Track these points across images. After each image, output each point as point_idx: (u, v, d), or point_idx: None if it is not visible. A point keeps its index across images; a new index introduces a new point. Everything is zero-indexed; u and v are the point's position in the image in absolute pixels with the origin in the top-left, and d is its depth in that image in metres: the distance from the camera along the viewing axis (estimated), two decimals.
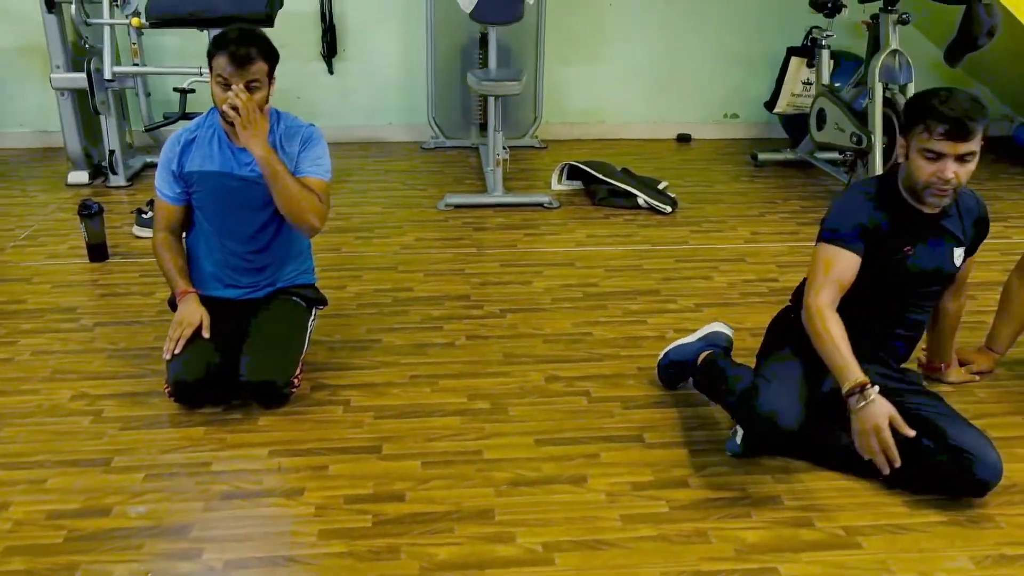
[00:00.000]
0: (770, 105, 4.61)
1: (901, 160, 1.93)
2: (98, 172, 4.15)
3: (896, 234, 1.93)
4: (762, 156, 4.56)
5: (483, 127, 4.71)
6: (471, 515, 1.85)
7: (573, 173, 4.14)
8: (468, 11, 3.76)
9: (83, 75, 3.77)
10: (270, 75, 2.21)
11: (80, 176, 4.11)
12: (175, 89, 3.78)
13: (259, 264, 2.36)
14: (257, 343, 2.22)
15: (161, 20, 3.74)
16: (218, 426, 2.15)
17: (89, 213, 3.19)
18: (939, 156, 1.82)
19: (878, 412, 1.76)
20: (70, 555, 1.71)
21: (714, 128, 5.07)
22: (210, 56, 2.15)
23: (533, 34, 4.63)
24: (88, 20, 3.76)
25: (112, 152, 4.02)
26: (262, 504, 1.87)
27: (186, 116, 3.95)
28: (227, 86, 2.12)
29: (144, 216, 3.42)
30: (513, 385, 2.38)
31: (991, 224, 2.10)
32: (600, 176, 3.96)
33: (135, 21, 3.72)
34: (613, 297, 2.93)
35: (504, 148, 3.82)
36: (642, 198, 3.84)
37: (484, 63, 4.56)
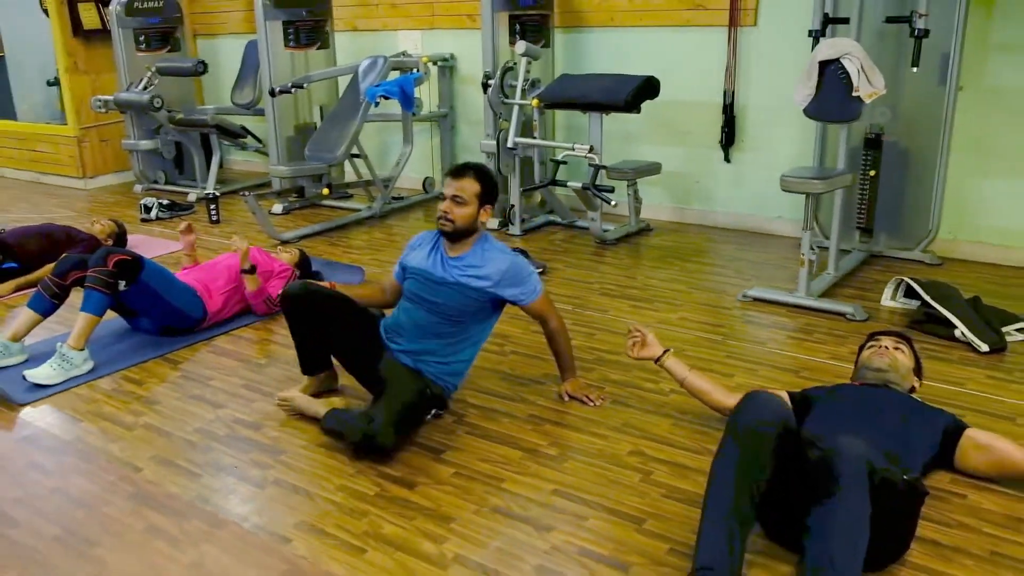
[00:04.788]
0: None
1: None
2: (507, 221, 5.36)
3: None
4: None
5: (864, 231, 4.65)
6: (435, 514, 2.34)
7: (912, 292, 3.91)
8: (801, 106, 3.90)
9: (493, 141, 5.01)
10: (480, 200, 2.78)
11: (492, 222, 5.36)
12: (551, 160, 4.75)
13: (421, 346, 2.85)
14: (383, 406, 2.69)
15: (551, 103, 4.77)
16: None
17: None
18: None
19: None
20: None
21: None
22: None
23: (937, 136, 4.42)
24: (504, 100, 4.98)
25: (512, 206, 5.18)
26: None
27: (555, 183, 4.92)
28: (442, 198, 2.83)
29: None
30: (594, 445, 2.69)
31: None
32: (929, 299, 3.70)
33: (534, 102, 4.81)
34: None
35: (812, 249, 3.87)
36: (959, 329, 3.50)
37: (873, 166, 4.53)
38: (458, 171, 2.83)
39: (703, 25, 5.09)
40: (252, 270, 3.77)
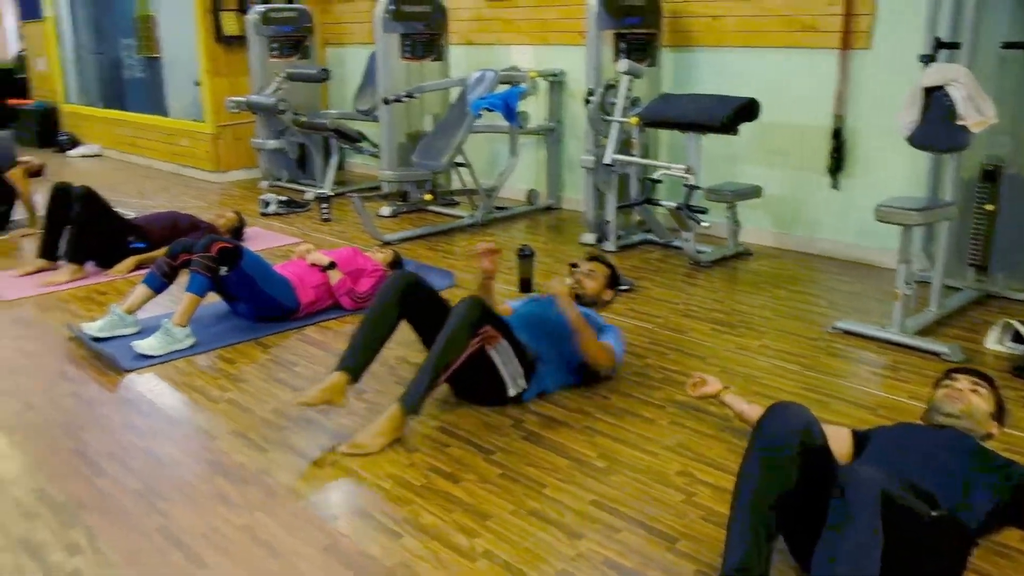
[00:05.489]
0: None
1: None
2: (602, 237, 5.44)
3: None
4: None
5: (979, 268, 4.48)
6: (473, 509, 2.46)
7: (1021, 337, 3.75)
8: (904, 134, 3.80)
9: (592, 158, 5.10)
10: (607, 281, 3.53)
11: (588, 238, 5.46)
12: (645, 178, 4.81)
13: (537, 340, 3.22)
14: None
15: (650, 121, 4.83)
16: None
17: (524, 255, 4.47)
18: None
19: None
20: None
21: None
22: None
23: None
24: (604, 117, 5.07)
25: (607, 222, 5.26)
26: None
27: (649, 201, 4.97)
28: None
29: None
30: (642, 462, 2.75)
31: None
32: None
33: (633, 120, 4.88)
34: None
35: (908, 283, 3.78)
36: None
37: (991, 200, 4.37)
38: (594, 257, 3.65)
39: (813, 47, 5.03)
40: (332, 266, 4.03)
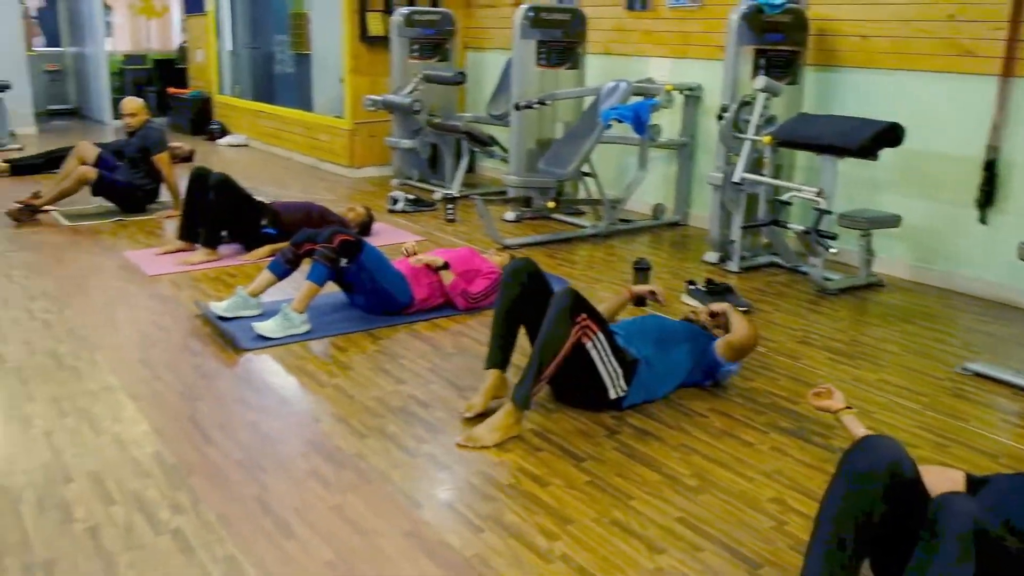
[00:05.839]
0: None
1: None
2: (726, 257, 5.38)
3: None
4: None
5: None
6: (557, 513, 2.51)
7: None
8: None
9: (720, 175, 5.06)
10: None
11: (712, 256, 5.41)
12: (775, 199, 4.72)
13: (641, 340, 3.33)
14: None
15: (783, 141, 4.75)
16: None
17: (640, 268, 4.49)
18: None
19: None
20: None
21: None
22: None
23: None
24: (736, 134, 5.02)
25: (732, 241, 5.20)
26: None
27: (776, 223, 4.88)
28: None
29: (692, 287, 4.53)
30: (736, 484, 2.73)
31: None
32: None
33: (766, 139, 4.81)
34: None
35: None
36: None
37: None
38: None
39: (969, 72, 4.82)
40: (444, 267, 4.16)
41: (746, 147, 4.95)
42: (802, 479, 2.78)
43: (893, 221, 4.87)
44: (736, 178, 4.95)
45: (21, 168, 7.39)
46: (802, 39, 5.35)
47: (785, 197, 4.76)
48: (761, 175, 4.97)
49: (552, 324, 2.92)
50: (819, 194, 4.55)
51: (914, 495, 1.95)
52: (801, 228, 4.64)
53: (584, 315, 2.97)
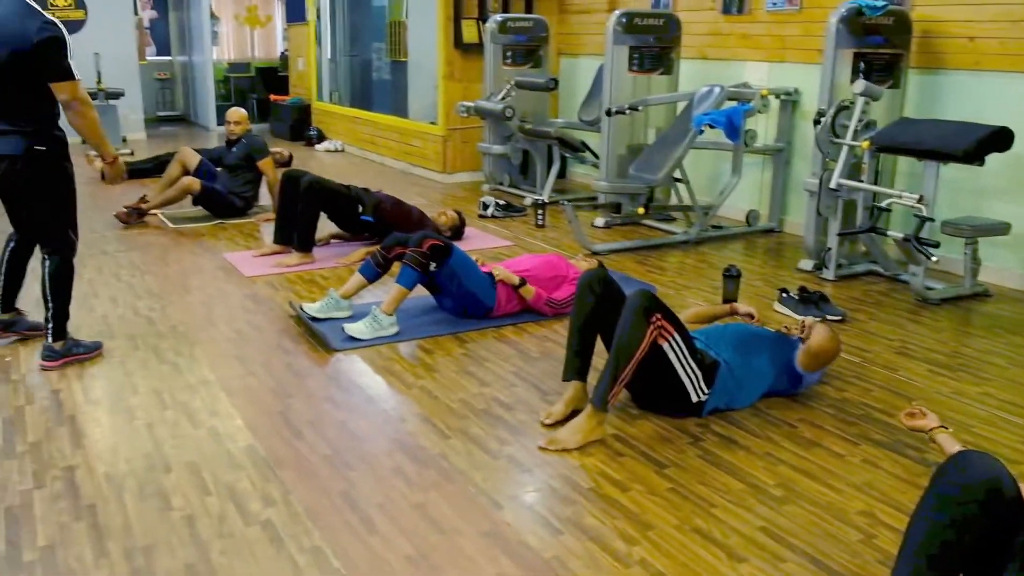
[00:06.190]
0: None
1: None
2: (821, 264, 5.26)
3: None
4: None
5: None
6: (637, 519, 2.52)
7: None
8: None
9: (816, 180, 4.96)
10: None
11: (807, 264, 5.30)
12: (873, 206, 4.61)
13: (722, 345, 3.32)
14: None
15: (883, 146, 4.63)
16: None
17: (730, 275, 4.45)
18: None
19: None
20: None
21: None
22: None
23: None
24: (833, 139, 4.91)
25: (828, 249, 5.09)
26: None
27: (874, 230, 4.76)
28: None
29: (784, 295, 4.46)
30: (823, 496, 2.68)
31: None
32: None
33: (865, 144, 4.70)
34: None
35: None
36: None
37: None
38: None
39: None
40: (522, 283, 4.18)
41: (844, 152, 4.84)
42: (894, 492, 2.72)
43: (1001, 229, 4.69)
44: (833, 184, 4.85)
45: (133, 172, 7.79)
46: (905, 42, 5.20)
47: (884, 204, 4.64)
48: (859, 181, 4.85)
49: (627, 325, 2.93)
50: (920, 200, 4.42)
51: (1015, 512, 1.89)
52: (901, 235, 4.52)
53: (659, 315, 2.97)
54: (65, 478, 2.73)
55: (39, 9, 3.38)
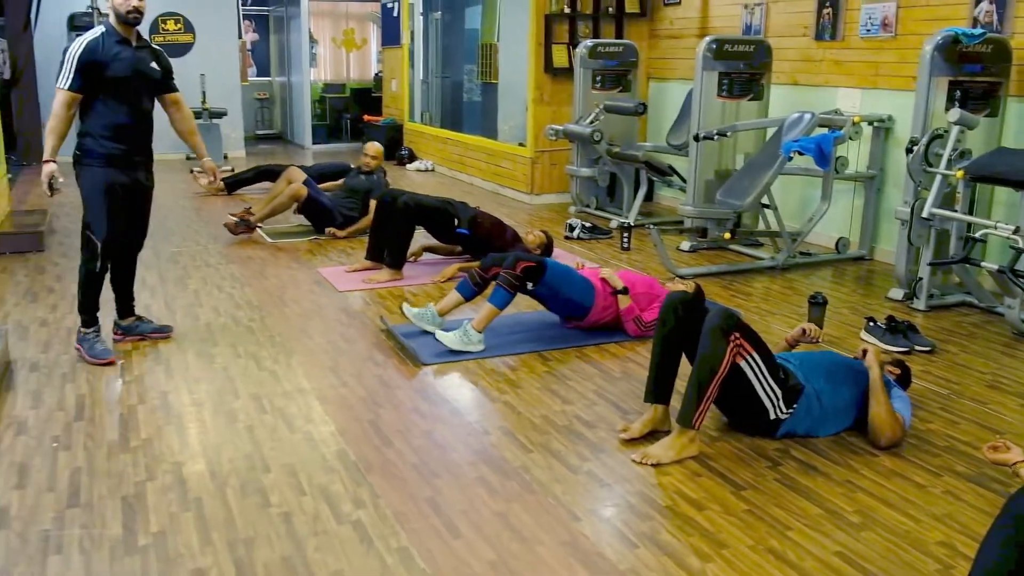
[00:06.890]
0: None
1: None
2: (912, 294, 5.22)
3: None
4: None
5: None
6: (712, 537, 2.61)
7: None
8: None
9: (907, 209, 4.95)
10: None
11: (897, 293, 5.27)
12: (967, 236, 4.57)
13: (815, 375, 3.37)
14: None
15: (977, 175, 4.60)
16: None
17: (815, 302, 4.48)
18: None
19: None
20: None
21: None
22: None
23: None
24: (926, 168, 4.89)
25: (919, 279, 5.06)
26: None
27: (967, 260, 4.72)
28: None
29: (871, 324, 4.46)
30: (901, 525, 2.72)
31: None
32: None
33: (959, 173, 4.67)
34: None
35: None
36: None
37: None
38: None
39: None
40: (624, 291, 4.34)
41: (937, 181, 4.82)
42: (975, 525, 2.73)
43: None
44: (925, 213, 4.83)
45: (233, 185, 8.22)
46: (1004, 70, 5.15)
47: (979, 234, 4.60)
48: (953, 210, 4.82)
49: (707, 344, 3.03)
50: (1016, 231, 4.37)
51: None
52: (995, 267, 4.47)
53: (737, 334, 3.05)
54: (174, 472, 2.97)
55: (93, 26, 3.85)
